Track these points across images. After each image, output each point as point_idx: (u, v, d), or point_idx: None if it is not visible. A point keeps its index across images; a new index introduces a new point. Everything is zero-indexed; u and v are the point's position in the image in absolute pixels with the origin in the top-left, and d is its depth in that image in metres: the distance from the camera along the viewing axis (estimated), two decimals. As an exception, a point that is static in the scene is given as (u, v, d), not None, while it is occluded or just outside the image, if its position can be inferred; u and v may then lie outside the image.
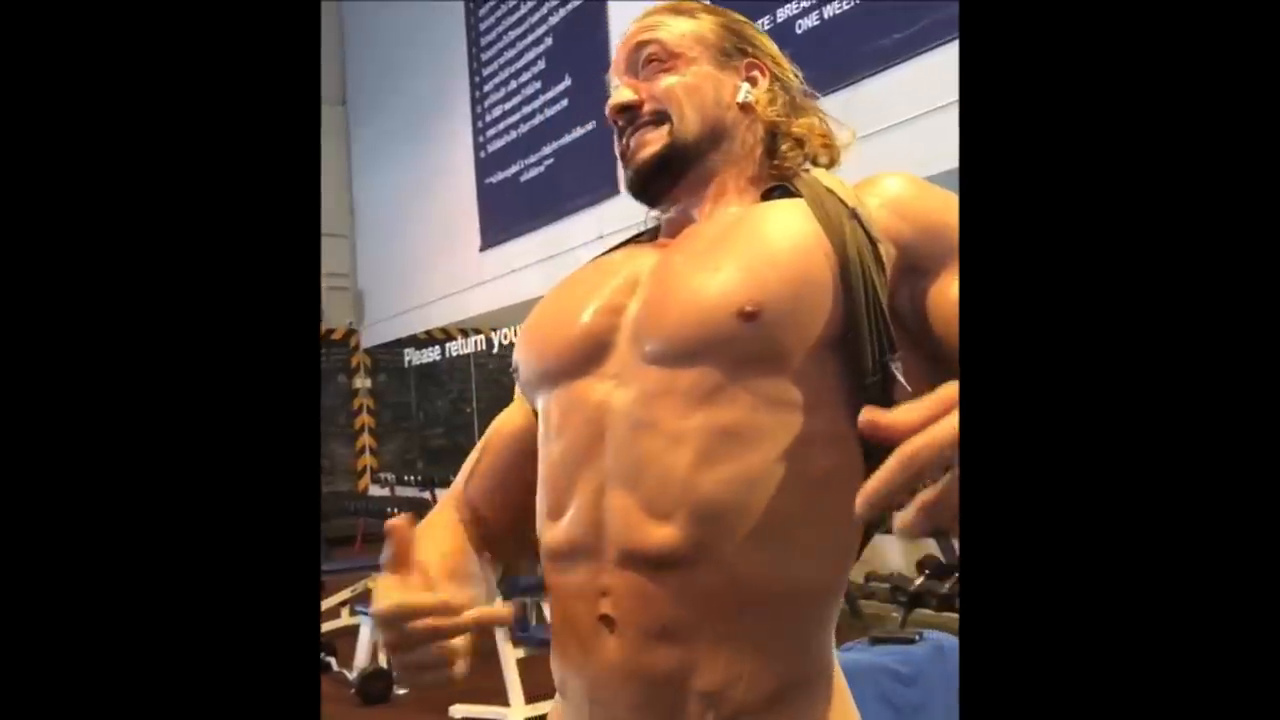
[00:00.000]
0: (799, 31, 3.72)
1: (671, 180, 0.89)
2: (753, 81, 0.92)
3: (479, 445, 0.98)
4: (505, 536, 0.92)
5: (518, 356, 0.91)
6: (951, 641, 2.85)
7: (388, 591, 0.73)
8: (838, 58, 3.54)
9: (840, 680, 0.83)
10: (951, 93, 3.23)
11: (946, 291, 0.78)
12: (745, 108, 0.91)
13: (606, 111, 0.92)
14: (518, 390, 0.97)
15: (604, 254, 0.96)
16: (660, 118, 0.88)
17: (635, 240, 0.98)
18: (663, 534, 0.75)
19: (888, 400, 0.76)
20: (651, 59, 0.90)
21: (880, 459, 0.73)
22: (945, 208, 0.81)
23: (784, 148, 0.91)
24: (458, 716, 3.68)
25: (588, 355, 0.83)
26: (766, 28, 3.82)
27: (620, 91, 0.91)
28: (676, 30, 0.91)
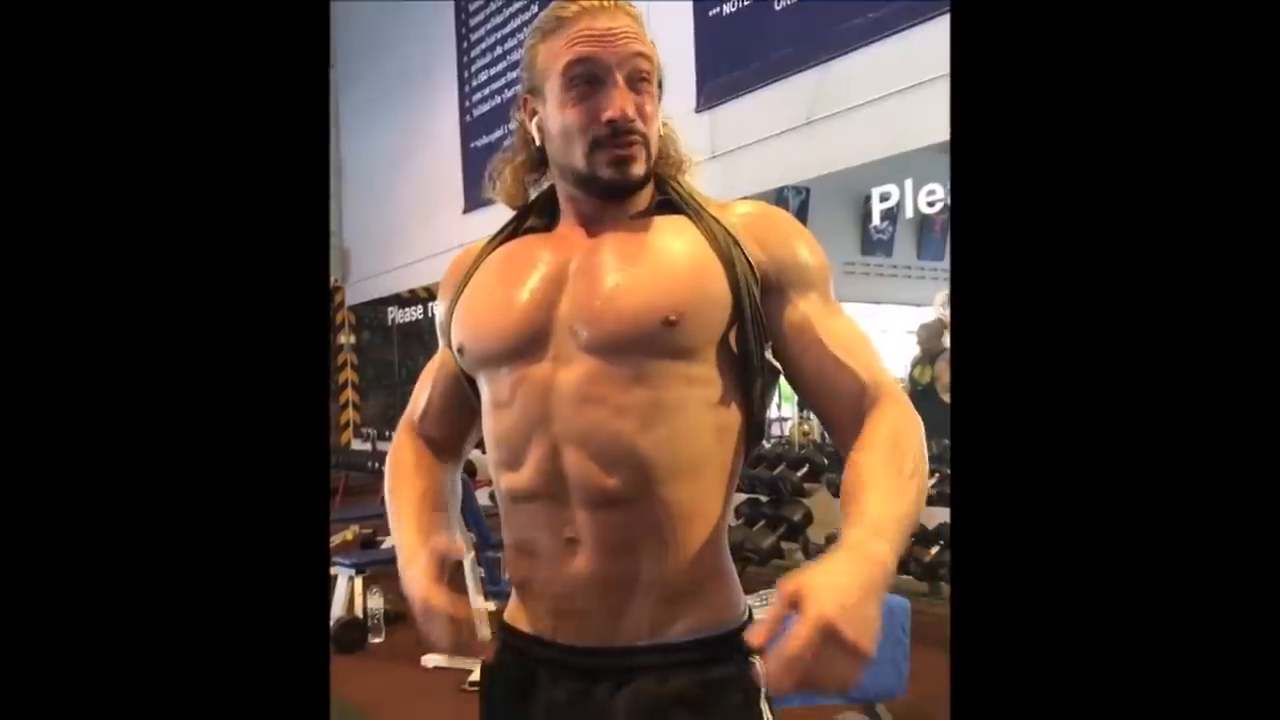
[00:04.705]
0: (778, 8, 3.79)
1: (633, 193, 1.07)
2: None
3: (425, 387, 1.23)
4: (454, 447, 1.23)
5: (461, 341, 1.10)
6: (899, 601, 2.97)
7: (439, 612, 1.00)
8: (814, 35, 3.62)
9: (735, 575, 1.09)
10: (924, 72, 3.32)
11: (791, 316, 1.05)
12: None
13: (614, 113, 1.01)
14: (443, 347, 1.18)
15: (500, 242, 1.14)
16: (643, 141, 1.04)
17: (528, 228, 1.14)
18: (614, 481, 1.00)
19: (765, 373, 1.05)
20: (643, 76, 1.03)
21: (756, 416, 1.05)
22: (791, 237, 1.07)
23: (672, 170, 1.11)
24: (430, 665, 3.80)
25: (529, 343, 1.04)
26: (745, 4, 3.87)
27: (628, 102, 1.01)
28: (653, 56, 1.05)
